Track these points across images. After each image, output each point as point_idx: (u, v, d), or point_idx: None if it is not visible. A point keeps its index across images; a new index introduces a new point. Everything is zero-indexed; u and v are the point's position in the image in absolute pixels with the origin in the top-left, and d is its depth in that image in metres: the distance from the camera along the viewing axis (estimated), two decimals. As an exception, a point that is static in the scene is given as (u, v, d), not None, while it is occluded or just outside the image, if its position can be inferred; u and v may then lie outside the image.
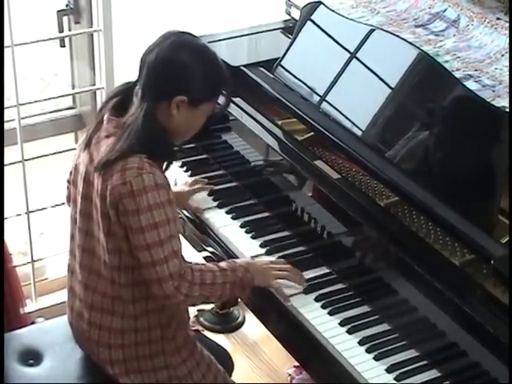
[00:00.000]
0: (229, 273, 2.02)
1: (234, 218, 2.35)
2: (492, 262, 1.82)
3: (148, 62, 1.96)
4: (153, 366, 2.07)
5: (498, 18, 2.43)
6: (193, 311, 3.11)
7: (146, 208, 1.89)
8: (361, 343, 1.95)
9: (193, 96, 1.96)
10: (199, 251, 2.40)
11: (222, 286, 2.00)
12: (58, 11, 3.00)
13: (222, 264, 2.04)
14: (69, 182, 2.17)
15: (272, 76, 2.51)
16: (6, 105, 2.81)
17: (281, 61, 2.51)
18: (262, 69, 2.54)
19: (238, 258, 2.21)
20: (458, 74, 2.22)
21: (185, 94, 1.95)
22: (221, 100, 2.11)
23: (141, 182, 1.89)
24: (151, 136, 1.94)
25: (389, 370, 1.89)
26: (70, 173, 2.14)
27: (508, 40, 2.34)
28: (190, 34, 2.02)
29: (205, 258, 2.38)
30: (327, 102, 2.33)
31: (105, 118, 2.01)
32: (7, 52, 2.65)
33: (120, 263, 1.98)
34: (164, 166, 2.02)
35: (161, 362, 2.08)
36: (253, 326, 3.16)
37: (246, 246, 2.24)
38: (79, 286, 2.09)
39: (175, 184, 2.39)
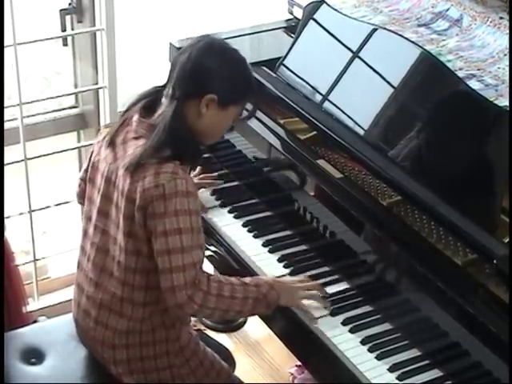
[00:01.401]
0: (252, 288, 1.96)
1: (236, 217, 2.35)
2: (494, 261, 1.81)
3: (180, 62, 1.98)
4: (156, 366, 2.08)
5: (500, 18, 2.43)
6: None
7: (173, 212, 1.88)
8: (363, 342, 1.95)
9: (223, 96, 1.98)
10: (201, 250, 2.39)
11: (242, 300, 1.95)
12: (61, 10, 3.00)
13: (246, 279, 2.00)
14: (82, 179, 2.17)
15: (274, 75, 2.51)
16: (8, 104, 2.81)
17: (283, 60, 2.51)
18: (264, 68, 2.54)
19: (240, 257, 2.21)
20: (460, 74, 2.22)
21: (215, 93, 1.97)
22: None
23: (173, 187, 1.89)
24: (179, 133, 1.95)
25: (391, 370, 1.89)
26: (85, 170, 2.13)
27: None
28: (222, 40, 2.07)
29: (207, 257, 2.38)
30: (330, 101, 2.33)
31: (134, 119, 2.00)
32: (10, 51, 2.65)
33: (136, 265, 1.97)
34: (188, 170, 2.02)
35: (164, 362, 2.08)
36: (255, 326, 3.16)
37: (249, 246, 2.25)
38: (89, 284, 2.09)
39: None
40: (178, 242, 1.89)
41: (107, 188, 2.01)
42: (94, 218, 2.06)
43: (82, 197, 2.19)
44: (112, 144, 2.02)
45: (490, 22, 2.44)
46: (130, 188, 1.92)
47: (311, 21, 2.48)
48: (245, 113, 2.18)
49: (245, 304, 1.95)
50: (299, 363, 2.83)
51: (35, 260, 3.02)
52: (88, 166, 2.11)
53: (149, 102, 2.03)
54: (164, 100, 2.00)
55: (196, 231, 1.91)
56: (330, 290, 2.10)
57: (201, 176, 2.43)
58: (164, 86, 2.02)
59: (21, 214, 2.93)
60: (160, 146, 1.92)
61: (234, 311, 1.96)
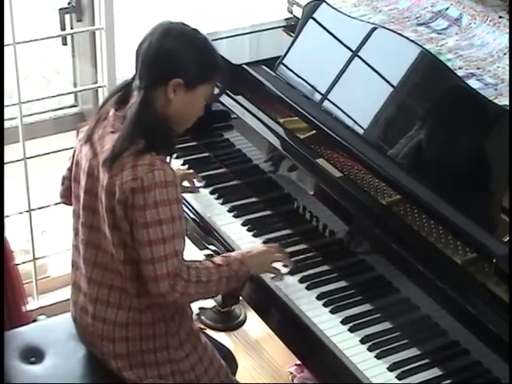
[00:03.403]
0: (224, 268, 2.03)
1: (235, 217, 2.35)
2: (494, 260, 1.81)
3: (142, 52, 1.99)
4: (156, 360, 2.08)
5: (500, 17, 2.43)
6: (194, 310, 3.11)
7: (153, 204, 1.90)
8: (363, 341, 1.95)
9: (188, 78, 1.97)
10: (201, 249, 2.40)
11: (217, 281, 2.01)
12: (60, 9, 3.01)
13: (217, 259, 2.06)
14: (66, 177, 2.20)
15: (274, 74, 2.51)
16: (8, 103, 2.81)
17: (283, 59, 2.51)
18: (264, 67, 2.54)
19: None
20: (460, 73, 2.22)
21: (180, 76, 1.96)
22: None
23: (151, 178, 1.90)
24: (148, 121, 1.95)
25: (391, 369, 1.89)
26: (69, 169, 2.16)
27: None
28: (181, 23, 2.04)
29: (206, 256, 2.38)
30: (329, 100, 2.33)
31: (110, 114, 2.02)
32: (9, 50, 2.65)
33: (125, 257, 1.99)
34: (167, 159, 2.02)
35: (164, 356, 2.09)
36: (254, 325, 3.16)
37: (248, 245, 2.24)
38: (83, 281, 2.10)
39: None
40: (160, 233, 1.91)
41: (91, 184, 2.02)
42: (81, 215, 2.07)
43: (64, 195, 2.23)
44: (90, 140, 2.03)
45: (490, 20, 2.44)
46: (108, 182, 1.94)
47: (311, 20, 2.48)
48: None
49: (220, 284, 2.02)
50: (299, 362, 2.83)
51: (35, 259, 3.02)
52: (72, 164, 2.13)
53: (122, 95, 2.04)
54: (135, 92, 2.00)
55: (177, 220, 1.94)
56: (330, 288, 2.10)
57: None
58: (133, 78, 2.02)
59: (20, 213, 2.93)
60: (132, 137, 1.93)
61: (210, 292, 2.05)
